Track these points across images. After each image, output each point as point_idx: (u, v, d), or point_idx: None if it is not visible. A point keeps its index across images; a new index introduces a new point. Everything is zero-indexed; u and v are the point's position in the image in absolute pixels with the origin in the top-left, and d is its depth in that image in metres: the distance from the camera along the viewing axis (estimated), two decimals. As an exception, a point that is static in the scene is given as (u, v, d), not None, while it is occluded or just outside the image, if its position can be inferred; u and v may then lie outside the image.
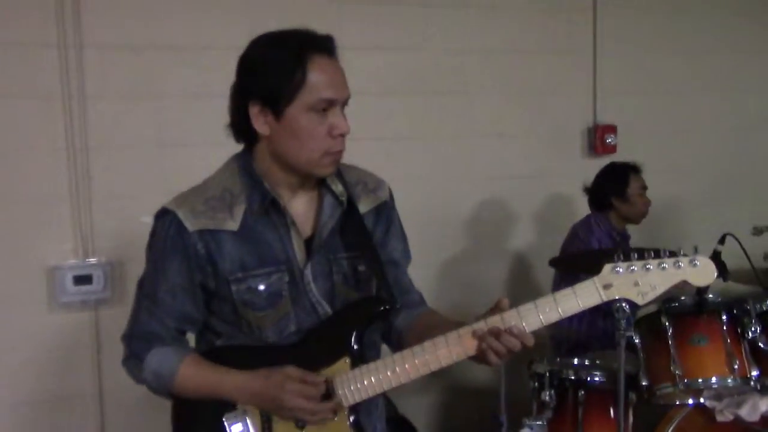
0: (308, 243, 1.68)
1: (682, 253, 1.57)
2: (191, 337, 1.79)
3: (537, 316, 1.57)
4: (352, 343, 1.64)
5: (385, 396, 1.86)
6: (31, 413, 3.12)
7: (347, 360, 1.63)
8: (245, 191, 1.65)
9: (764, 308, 2.88)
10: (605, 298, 1.57)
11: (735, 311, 2.85)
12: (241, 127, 1.65)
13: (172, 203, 1.66)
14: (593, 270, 1.59)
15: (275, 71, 1.56)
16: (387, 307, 1.68)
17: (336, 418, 1.62)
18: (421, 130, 3.73)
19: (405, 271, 1.89)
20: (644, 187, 3.57)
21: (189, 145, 3.19)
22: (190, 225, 1.61)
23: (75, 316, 3.14)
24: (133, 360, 1.70)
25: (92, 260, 3.13)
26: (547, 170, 4.01)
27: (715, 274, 1.55)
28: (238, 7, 3.27)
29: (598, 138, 4.07)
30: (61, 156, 3.11)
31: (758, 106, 4.54)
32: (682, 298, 2.88)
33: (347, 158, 1.74)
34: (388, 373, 1.62)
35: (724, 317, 2.83)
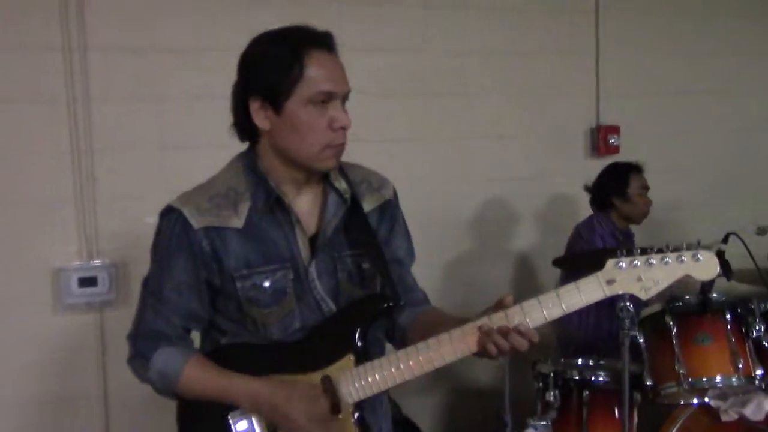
0: (313, 241, 1.69)
1: (685, 247, 1.57)
2: (196, 337, 1.79)
3: (540, 311, 1.57)
4: (357, 341, 1.64)
5: (389, 397, 1.87)
6: (37, 414, 3.13)
7: (351, 357, 1.63)
8: (250, 189, 1.66)
9: (768, 307, 2.88)
10: (608, 293, 1.57)
11: (739, 310, 2.85)
12: (243, 124, 1.67)
13: (177, 201, 1.66)
14: (597, 268, 1.59)
15: (274, 66, 1.58)
16: (391, 304, 1.69)
17: (341, 415, 1.62)
18: (424, 131, 3.74)
19: (409, 269, 1.89)
20: (645, 187, 3.57)
21: (193, 146, 3.20)
22: (196, 222, 1.62)
23: (80, 318, 3.15)
24: (139, 359, 1.70)
25: (97, 262, 3.14)
26: (550, 171, 4.01)
27: (718, 268, 1.55)
28: (239, 9, 3.29)
29: (601, 138, 4.07)
30: (66, 158, 3.12)
31: (760, 108, 4.54)
32: (686, 297, 2.88)
33: (348, 159, 1.75)
34: (393, 370, 1.62)
35: (728, 316, 2.83)
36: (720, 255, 2.91)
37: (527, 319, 1.57)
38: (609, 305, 3.17)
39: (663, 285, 1.56)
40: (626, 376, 2.59)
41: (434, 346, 1.60)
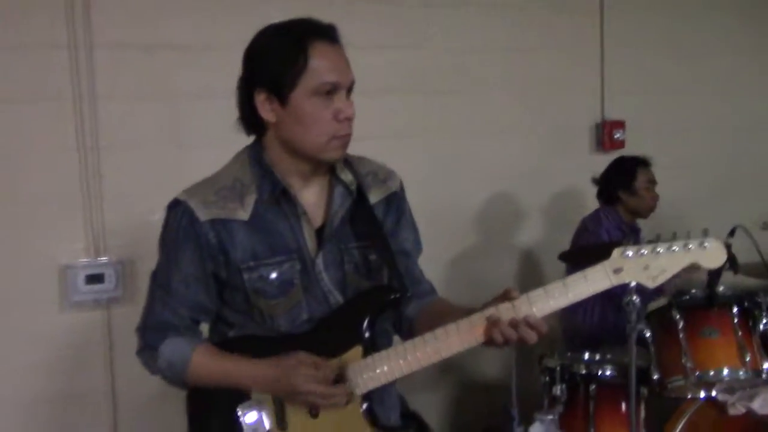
0: (319, 233, 1.70)
1: (691, 236, 1.57)
2: (205, 331, 1.80)
3: (547, 301, 1.57)
4: (364, 332, 1.65)
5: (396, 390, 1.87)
6: (44, 412, 3.14)
7: (359, 348, 1.64)
8: (256, 181, 1.66)
9: (775, 301, 2.87)
10: (615, 282, 1.57)
11: (746, 304, 2.84)
12: (249, 117, 1.67)
13: (184, 194, 1.67)
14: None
15: (278, 58, 1.59)
16: (398, 295, 1.69)
17: (349, 406, 1.62)
18: (428, 128, 3.74)
19: (416, 261, 1.90)
20: (653, 181, 3.58)
21: (199, 143, 3.20)
22: (202, 215, 1.63)
23: (87, 315, 3.16)
24: (148, 351, 1.71)
25: (104, 259, 3.15)
26: (555, 166, 4.01)
27: (726, 256, 1.55)
28: (244, 5, 3.29)
29: (606, 134, 4.07)
30: (72, 155, 3.13)
31: (764, 105, 4.55)
32: (693, 291, 2.88)
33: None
34: (400, 361, 1.63)
35: (735, 310, 2.82)
36: (727, 248, 2.91)
37: (534, 309, 1.57)
38: (610, 298, 3.21)
39: (670, 273, 1.56)
40: (633, 370, 2.58)
41: (442, 336, 1.61)
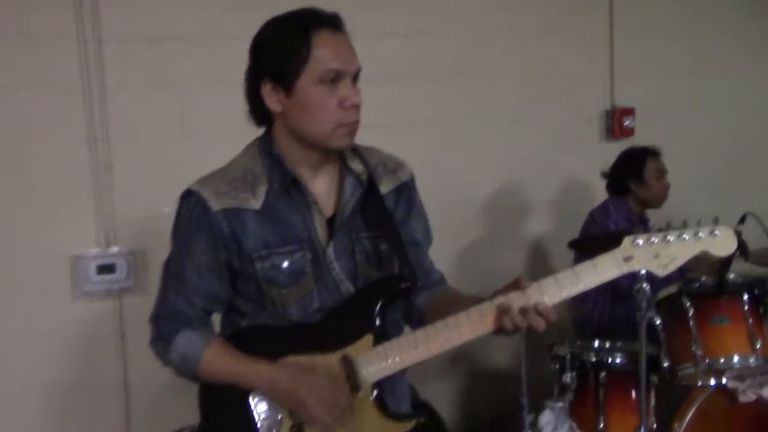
0: (330, 223, 1.70)
1: (701, 224, 1.57)
2: (216, 321, 1.81)
3: (558, 290, 1.58)
4: (375, 321, 1.65)
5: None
6: (56, 401, 3.16)
7: (370, 337, 1.64)
8: (266, 171, 1.67)
9: (786, 288, 2.87)
10: (626, 270, 1.57)
11: (756, 291, 2.85)
12: (257, 108, 1.68)
13: (196, 184, 1.68)
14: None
15: (282, 48, 1.60)
16: (408, 284, 1.70)
17: (360, 394, 1.63)
18: (436, 116, 3.73)
19: (426, 251, 1.90)
20: (662, 171, 3.55)
21: (208, 134, 3.21)
22: (215, 204, 1.63)
23: (99, 305, 3.18)
24: (161, 342, 1.71)
25: (115, 249, 3.17)
26: (565, 155, 4.00)
27: (736, 244, 1.55)
28: (253, -4, 3.30)
29: (615, 121, 4.06)
30: (82, 147, 3.15)
31: (777, 90, 4.52)
32: (703, 278, 2.88)
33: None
34: (411, 350, 1.63)
35: (745, 297, 2.83)
36: (737, 236, 2.90)
37: (545, 297, 1.57)
38: (617, 290, 3.20)
39: (680, 261, 1.56)
40: (643, 357, 2.59)
41: (452, 325, 1.61)
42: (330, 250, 1.68)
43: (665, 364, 2.84)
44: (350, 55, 1.63)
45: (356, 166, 1.73)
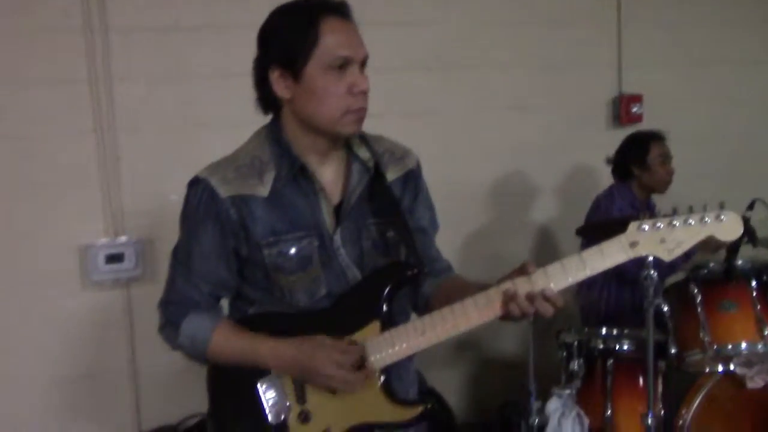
0: (337, 210, 1.70)
1: (707, 209, 1.57)
2: (224, 307, 1.82)
3: (564, 275, 1.58)
4: (382, 307, 1.66)
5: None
6: (66, 389, 3.19)
7: (377, 323, 1.65)
8: (274, 158, 1.67)
9: (794, 274, 2.86)
10: (632, 256, 1.57)
11: (764, 277, 2.84)
12: (265, 96, 1.69)
13: (204, 171, 1.69)
14: (621, 235, 1.59)
15: (289, 35, 1.61)
16: (415, 271, 1.70)
17: (367, 381, 1.63)
18: (443, 104, 3.74)
19: (432, 239, 1.90)
20: (667, 156, 3.49)
21: (216, 123, 3.23)
22: (223, 191, 1.64)
23: (107, 294, 3.20)
24: (169, 327, 1.73)
25: (123, 239, 3.19)
26: (572, 142, 3.99)
27: (742, 228, 1.54)
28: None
29: (623, 108, 4.04)
30: (90, 138, 3.17)
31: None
32: (711, 264, 2.87)
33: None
34: (418, 336, 1.64)
35: (753, 283, 2.82)
36: (745, 221, 2.89)
37: (551, 283, 1.57)
38: (620, 274, 3.20)
39: (686, 246, 1.56)
40: (651, 343, 2.59)
41: (459, 310, 1.62)
42: (337, 237, 1.69)
43: (673, 351, 2.83)
44: (358, 42, 1.64)
45: (363, 153, 1.73)
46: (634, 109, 4.03)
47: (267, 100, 1.69)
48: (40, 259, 3.13)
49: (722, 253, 2.91)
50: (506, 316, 1.60)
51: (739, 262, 2.85)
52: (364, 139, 1.76)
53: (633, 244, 1.57)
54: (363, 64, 1.64)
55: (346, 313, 1.68)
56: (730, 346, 2.76)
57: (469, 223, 3.88)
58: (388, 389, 1.66)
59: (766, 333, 2.75)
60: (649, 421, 2.57)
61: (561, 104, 3.97)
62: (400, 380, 1.75)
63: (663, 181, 3.51)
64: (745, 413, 2.82)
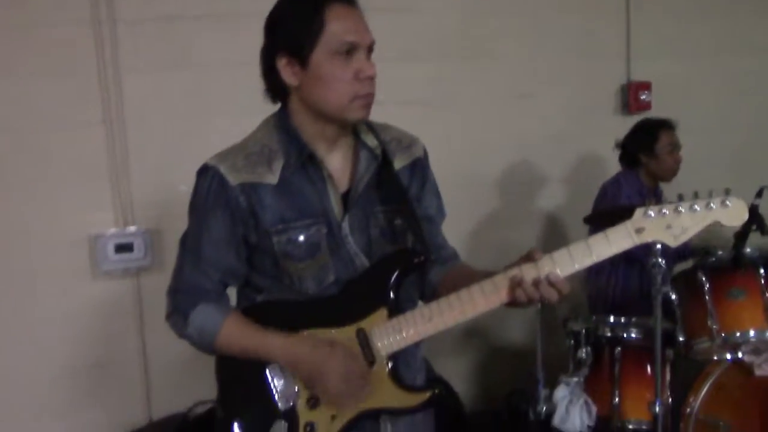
0: (345, 198, 1.71)
1: (713, 195, 1.57)
2: (232, 295, 1.83)
3: (570, 261, 1.58)
4: (389, 294, 1.67)
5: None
6: (76, 379, 3.22)
7: (384, 310, 1.66)
8: (282, 146, 1.68)
9: (802, 261, 2.86)
10: (638, 242, 1.57)
11: (773, 265, 2.83)
12: (273, 84, 1.69)
13: (214, 159, 1.69)
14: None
15: (296, 22, 1.62)
16: (422, 258, 1.71)
17: (374, 367, 1.65)
18: (451, 92, 3.73)
19: (439, 227, 1.91)
20: (675, 144, 3.48)
21: (223, 112, 3.23)
22: (232, 179, 1.65)
23: (117, 284, 3.23)
24: (177, 315, 1.73)
25: (132, 229, 3.21)
26: (581, 130, 3.98)
27: (747, 215, 1.55)
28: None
29: (631, 95, 4.02)
30: (99, 128, 3.18)
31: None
32: (719, 252, 2.87)
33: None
34: (426, 323, 1.65)
35: (761, 271, 2.82)
36: (754, 210, 2.89)
37: (558, 269, 1.58)
38: (632, 261, 3.19)
39: (692, 232, 1.56)
40: (658, 332, 2.59)
41: (466, 297, 1.63)
42: (345, 224, 1.70)
43: (681, 339, 2.84)
44: (363, 28, 1.64)
45: (371, 141, 1.74)
46: (643, 97, 4.01)
47: (275, 88, 1.70)
48: (50, 249, 3.15)
49: (731, 241, 2.91)
50: (513, 303, 1.61)
51: (748, 250, 2.85)
52: (371, 127, 1.76)
53: (639, 231, 1.57)
54: (369, 50, 1.65)
55: (353, 300, 1.68)
56: (738, 334, 2.77)
57: (477, 212, 3.88)
58: (395, 375, 1.67)
59: (774, 320, 2.75)
60: (657, 408, 2.58)
61: (569, 92, 3.96)
62: (407, 367, 1.76)
63: (670, 170, 3.49)
64: (753, 401, 2.82)
